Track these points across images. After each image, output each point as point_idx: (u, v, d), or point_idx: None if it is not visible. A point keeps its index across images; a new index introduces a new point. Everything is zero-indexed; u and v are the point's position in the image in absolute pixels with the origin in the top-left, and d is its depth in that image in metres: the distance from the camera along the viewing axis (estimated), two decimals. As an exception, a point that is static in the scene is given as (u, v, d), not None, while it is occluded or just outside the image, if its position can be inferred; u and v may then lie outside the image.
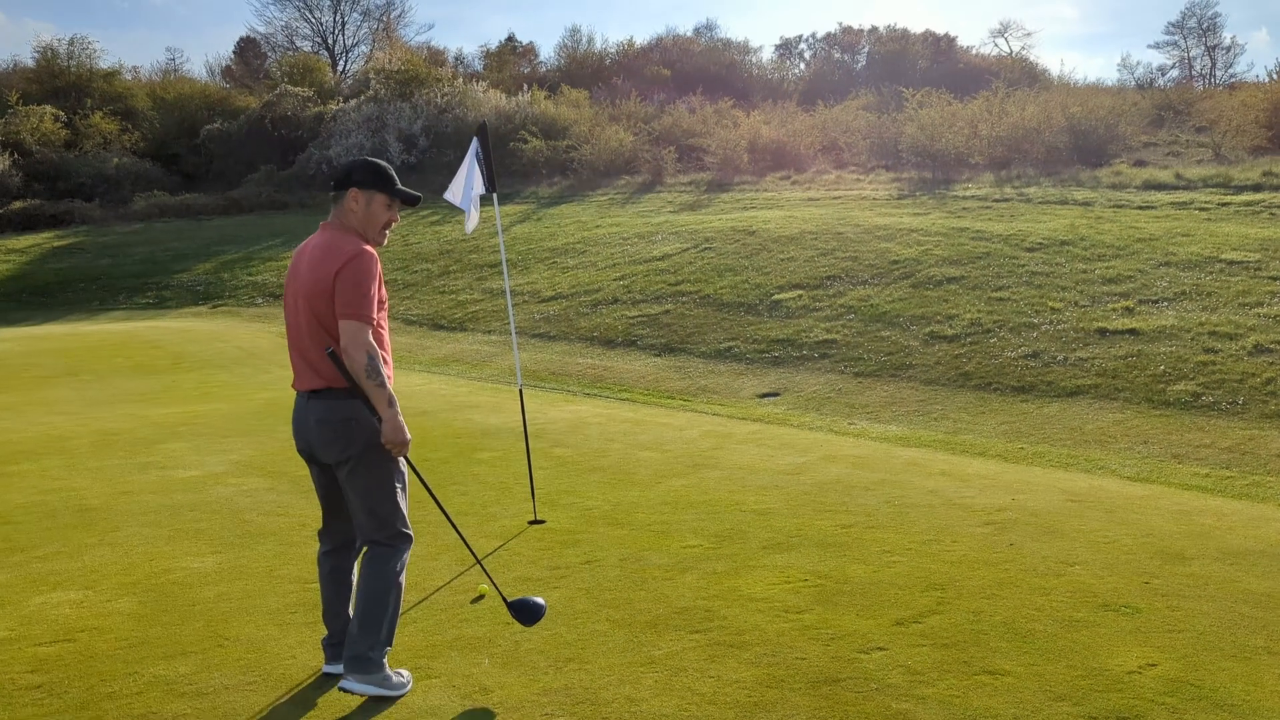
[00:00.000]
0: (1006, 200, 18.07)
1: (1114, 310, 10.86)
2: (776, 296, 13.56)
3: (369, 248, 3.68)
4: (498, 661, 4.03)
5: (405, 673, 3.82)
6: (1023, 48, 53.40)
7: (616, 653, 4.06)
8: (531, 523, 6.02)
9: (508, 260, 18.80)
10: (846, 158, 26.34)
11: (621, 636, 4.23)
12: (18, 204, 29.82)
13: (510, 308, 6.30)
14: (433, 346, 14.96)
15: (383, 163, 3.82)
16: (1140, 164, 21.78)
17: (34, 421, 10.01)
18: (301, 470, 7.45)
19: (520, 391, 6.44)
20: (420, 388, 11.81)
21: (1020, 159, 22.23)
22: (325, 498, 4.03)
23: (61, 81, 38.21)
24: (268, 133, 35.01)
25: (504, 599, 4.25)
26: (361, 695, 3.69)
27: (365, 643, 3.66)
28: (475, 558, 4.41)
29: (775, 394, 10.58)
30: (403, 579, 3.78)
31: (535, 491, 6.32)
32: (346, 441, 3.68)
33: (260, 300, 20.62)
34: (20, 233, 28.18)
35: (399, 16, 54.49)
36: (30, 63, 39.94)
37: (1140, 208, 16.10)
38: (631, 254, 17.36)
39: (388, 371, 3.71)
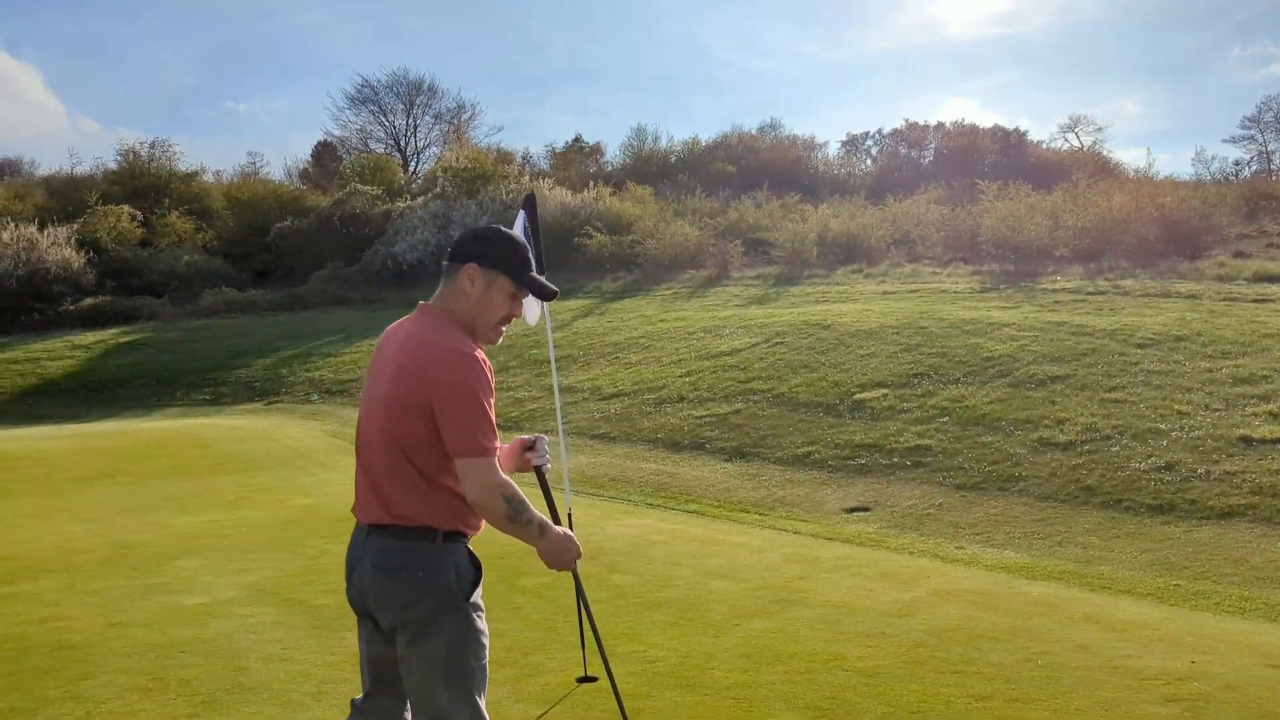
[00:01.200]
0: (1102, 293, 16.80)
1: (1255, 415, 9.48)
2: (858, 396, 12.38)
3: (479, 351, 2.77)
4: None
5: None
6: (1094, 142, 52.13)
7: None
8: (581, 680, 4.88)
9: (569, 356, 17.93)
10: (920, 250, 25.33)
11: None
12: (89, 301, 30.05)
13: (559, 410, 5.30)
14: (486, 448, 14.01)
15: (519, 237, 2.90)
16: (1241, 255, 20.43)
17: (53, 530, 9.21)
18: (321, 599, 6.43)
19: (570, 516, 5.36)
20: (469, 495, 10.80)
21: (1111, 251, 20.98)
22: (373, 664, 2.94)
23: (142, 182, 39.09)
24: (336, 230, 35.20)
25: None
26: None
27: None
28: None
29: (865, 509, 9.34)
30: None
31: (585, 639, 5.18)
32: (409, 599, 2.73)
33: (315, 397, 19.99)
34: (89, 329, 28.27)
35: (469, 119, 55.35)
36: (114, 165, 41.04)
37: (1256, 301, 14.71)
38: (698, 349, 16.36)
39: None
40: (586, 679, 4.88)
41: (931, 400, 11.73)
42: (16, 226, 30.69)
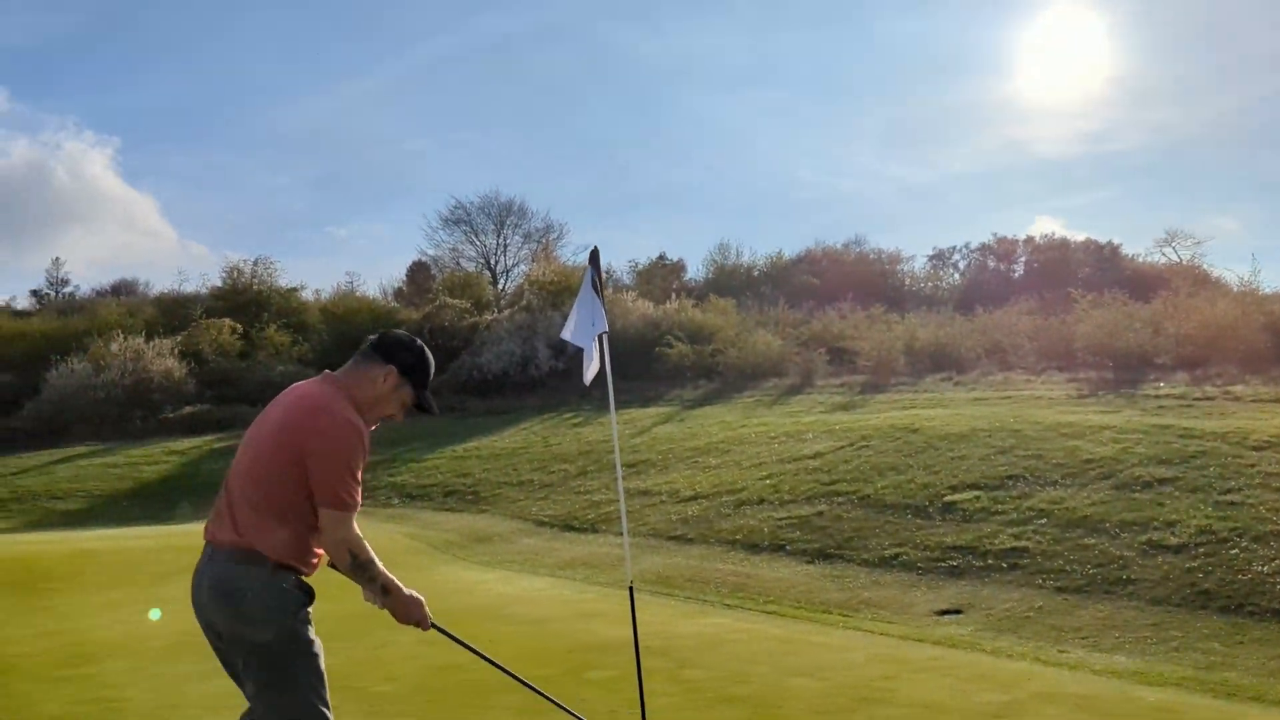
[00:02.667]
0: (1210, 399, 15.94)
1: (1390, 516, 8.67)
2: (949, 498, 11.78)
3: (360, 427, 3.17)
4: None
5: None
6: (1193, 256, 50.65)
7: None
8: (642, 773, 4.49)
9: (647, 461, 17.65)
10: (1013, 360, 24.59)
11: None
12: (188, 409, 31.01)
13: (620, 489, 5.04)
14: (561, 549, 13.68)
15: (430, 358, 3.40)
16: (1360, 361, 19.29)
17: (126, 619, 9.19)
18: (379, 686, 6.17)
19: (630, 592, 5.04)
20: (541, 593, 10.48)
21: (1218, 358, 20.04)
22: (235, 677, 3.29)
23: (243, 297, 40.69)
24: (426, 342, 35.88)
25: None
26: None
27: None
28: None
29: (957, 611, 8.72)
30: None
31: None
32: (240, 618, 3.06)
33: (396, 501, 20.00)
34: (186, 435, 29.08)
35: (557, 238, 56.69)
36: (218, 282, 42.91)
37: (1381, 403, 13.76)
38: (779, 453, 15.92)
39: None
40: (649, 771, 4.48)
41: (1027, 502, 11.09)
42: (125, 338, 32.08)
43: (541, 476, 18.58)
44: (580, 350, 5.11)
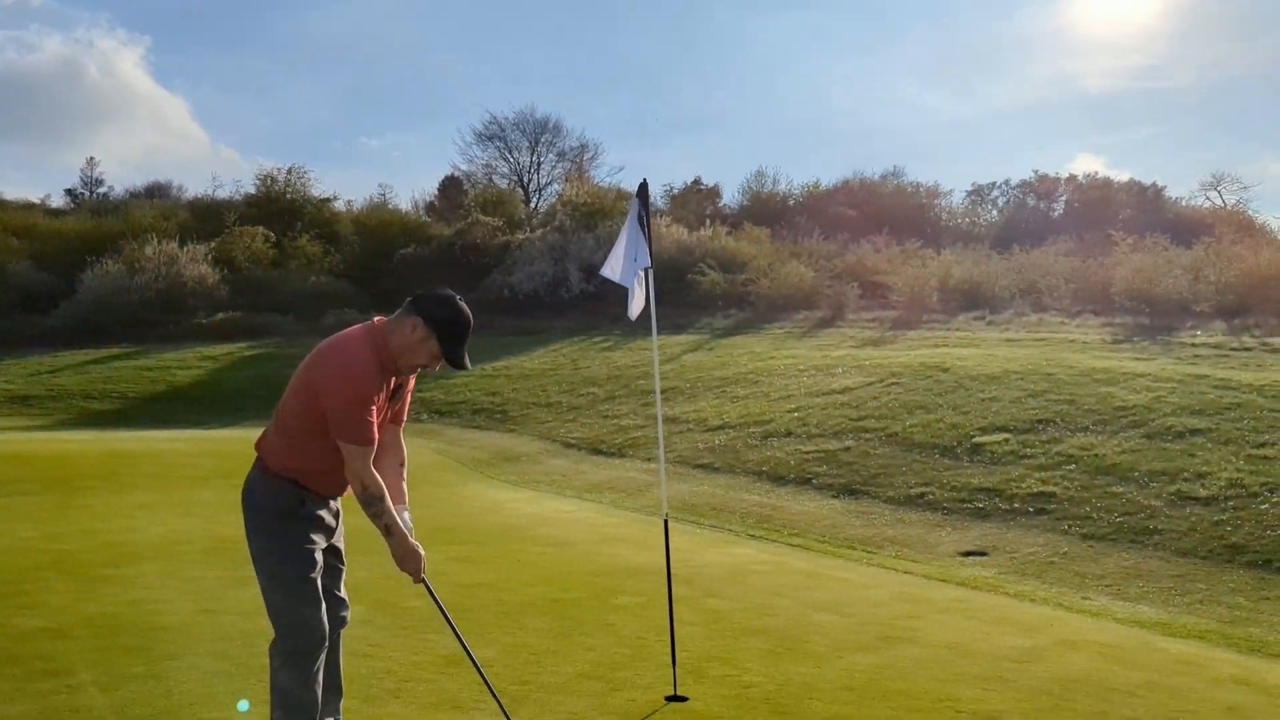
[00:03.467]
0: (1248, 349, 15.70)
1: None
2: (978, 439, 11.75)
3: (371, 372, 3.39)
4: None
5: None
6: (1238, 201, 49.25)
7: None
8: (670, 699, 4.57)
9: (675, 389, 17.69)
10: (1048, 301, 24.27)
11: None
12: (220, 316, 31.28)
13: (659, 416, 5.04)
14: (588, 471, 13.81)
15: (468, 318, 3.54)
16: (1405, 316, 18.88)
17: (161, 522, 9.40)
18: (410, 601, 6.29)
19: (665, 524, 5.08)
20: (568, 515, 10.61)
21: (1258, 308, 19.68)
22: None
23: (277, 206, 40.67)
24: (457, 259, 35.85)
25: None
26: None
27: None
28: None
29: (982, 553, 8.76)
30: (293, 685, 3.41)
31: (677, 656, 4.86)
32: (245, 511, 3.52)
33: (425, 416, 20.19)
34: (218, 342, 29.39)
35: (592, 158, 56.02)
36: (252, 189, 42.88)
37: None
38: (808, 386, 15.90)
39: (399, 481, 3.63)
40: (676, 698, 4.57)
41: (1057, 447, 11.04)
42: (160, 243, 32.25)
43: (570, 399, 18.68)
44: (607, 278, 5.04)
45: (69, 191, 53.50)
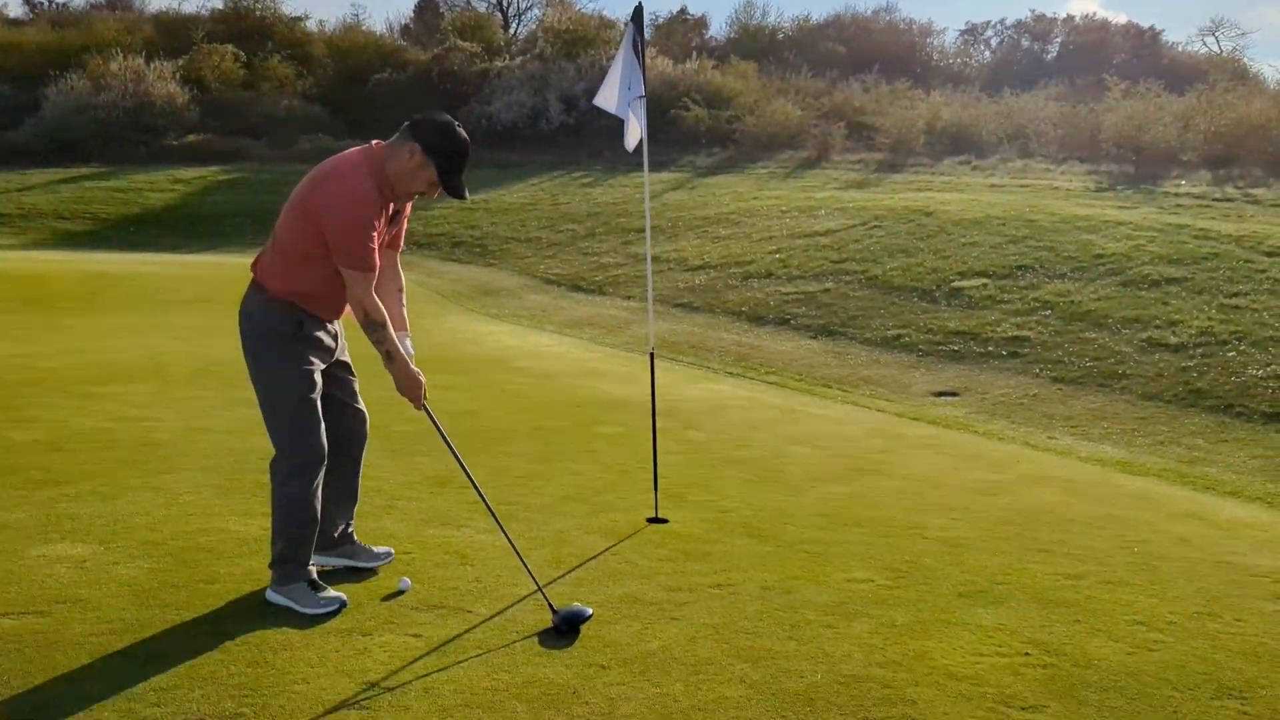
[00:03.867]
0: (1230, 200, 15.77)
1: (1391, 332, 8.80)
2: (956, 283, 11.88)
3: (370, 198, 3.35)
4: (580, 731, 2.79)
5: (332, 595, 3.54)
6: (1235, 49, 48.21)
7: (753, 742, 2.76)
8: (651, 520, 4.78)
9: (656, 227, 17.60)
10: (1034, 147, 24.04)
11: (760, 713, 2.93)
12: (191, 137, 30.45)
13: (649, 258, 5.05)
14: (568, 308, 13.90)
15: (467, 145, 3.48)
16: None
17: (146, 344, 9.44)
18: (397, 426, 6.44)
19: (651, 358, 5.18)
20: (549, 349, 10.75)
21: (1245, 158, 19.61)
22: None
23: (246, 24, 38.97)
24: (434, 85, 34.77)
25: (551, 607, 3.49)
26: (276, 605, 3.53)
27: (272, 554, 3.60)
28: (514, 547, 3.79)
29: (954, 394, 9.00)
30: (295, 499, 3.51)
31: (659, 481, 5.06)
32: (244, 332, 3.56)
33: (404, 248, 20.04)
34: (189, 164, 28.72)
35: (575, -19, 53.70)
36: (220, 4, 40.96)
37: (1402, 219, 13.62)
38: (790, 227, 15.88)
39: (399, 307, 3.70)
40: (657, 520, 4.78)
41: (1034, 293, 11.20)
42: (125, 58, 31.01)
43: (549, 235, 18.58)
44: (601, 108, 4.95)
45: (27, 0, 50.93)
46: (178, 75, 32.07)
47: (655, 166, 23.84)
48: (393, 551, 4.07)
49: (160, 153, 29.06)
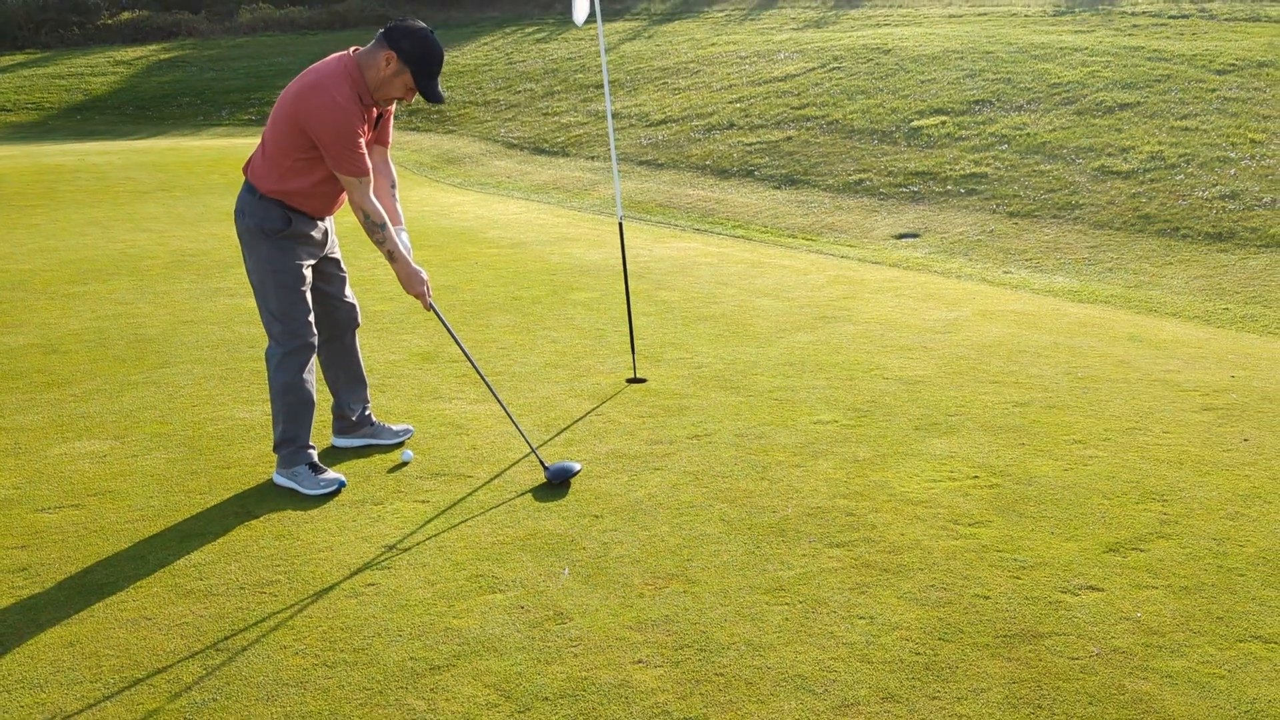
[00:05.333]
0: (1185, 17, 15.69)
1: (1333, 146, 9.06)
2: (916, 123, 11.98)
3: (352, 106, 3.53)
4: (580, 572, 3.15)
5: (332, 476, 3.82)
6: None
7: (733, 570, 3.13)
8: (630, 381, 5.09)
9: (615, 81, 17.37)
10: (994, -29, 23.61)
11: (739, 545, 3.30)
12: (126, 14, 29.24)
13: (611, 132, 5.18)
14: (533, 172, 13.90)
15: (440, 51, 3.62)
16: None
17: (116, 239, 9.48)
18: (378, 305, 6.66)
19: (620, 226, 5.39)
20: (517, 216, 10.86)
21: (1202, -29, 19.38)
22: None
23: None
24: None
25: (543, 465, 3.85)
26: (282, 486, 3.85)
27: (274, 438, 3.86)
28: (511, 418, 4.08)
29: (914, 235, 9.27)
30: (289, 383, 3.76)
31: (636, 343, 5.35)
32: (239, 229, 3.79)
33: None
34: (128, 44, 27.70)
35: None
36: None
37: (1354, 27, 13.67)
38: (750, 74, 15.74)
39: (390, 201, 3.90)
40: (636, 380, 5.09)
41: (992, 128, 11.33)
42: (44, -68, 29.41)
43: (507, 96, 18.30)
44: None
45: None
46: (102, -52, 30.50)
47: (610, 14, 23.26)
48: (412, 428, 4.36)
49: (96, 34, 28.00)
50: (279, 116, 3.63)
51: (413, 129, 17.90)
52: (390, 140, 3.94)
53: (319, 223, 3.82)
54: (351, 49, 3.65)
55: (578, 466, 3.84)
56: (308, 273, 3.80)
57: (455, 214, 10.99)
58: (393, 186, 3.94)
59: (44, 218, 10.76)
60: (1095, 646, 2.67)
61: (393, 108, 3.81)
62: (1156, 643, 2.69)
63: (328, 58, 3.68)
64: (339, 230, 4.27)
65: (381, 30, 3.61)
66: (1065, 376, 4.98)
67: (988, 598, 2.92)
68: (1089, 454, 3.97)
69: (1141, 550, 3.19)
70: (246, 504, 3.70)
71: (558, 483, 3.77)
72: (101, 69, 24.82)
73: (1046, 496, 3.60)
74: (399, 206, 3.96)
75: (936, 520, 3.43)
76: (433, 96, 3.62)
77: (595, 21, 4.87)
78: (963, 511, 3.49)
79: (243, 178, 3.82)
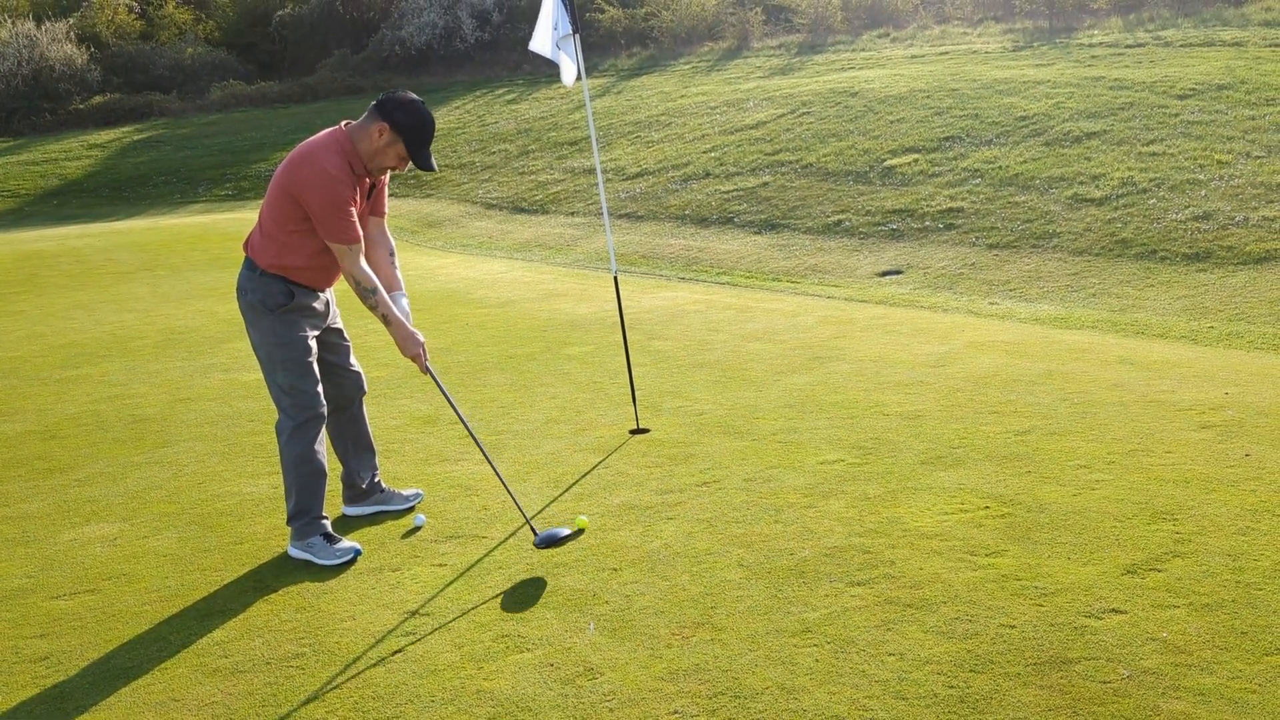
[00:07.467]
0: (1141, 45, 16.09)
1: (1297, 162, 9.28)
2: (889, 162, 12.19)
3: (343, 176, 3.60)
4: (605, 626, 3.15)
5: (347, 545, 3.83)
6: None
7: (758, 615, 3.15)
8: (633, 432, 5.12)
9: (589, 138, 17.61)
10: (949, 10, 24.17)
11: (760, 589, 3.31)
12: (98, 98, 29.46)
13: (601, 183, 5.27)
14: (515, 231, 14.02)
15: (432, 121, 3.72)
16: (1292, 0, 19.33)
17: (103, 320, 9.48)
18: (374, 372, 6.67)
19: (615, 280, 5.45)
20: (503, 275, 10.94)
21: (1152, 0, 19.95)
22: None
23: (132, -29, 37.36)
24: (339, 16, 33.79)
25: (533, 530, 3.77)
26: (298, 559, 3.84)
27: (288, 510, 3.86)
28: (503, 482, 4.04)
29: (897, 271, 9.39)
30: (302, 455, 3.78)
31: (636, 393, 5.39)
32: (242, 306, 3.82)
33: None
34: (101, 127, 27.87)
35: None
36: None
37: (1305, 46, 14.06)
38: (721, 123, 16.00)
39: (390, 269, 3.95)
40: (639, 430, 5.12)
41: (963, 163, 11.54)
42: (13, 23, 29.71)
43: (482, 158, 18.50)
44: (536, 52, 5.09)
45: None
46: (71, 35, 30.86)
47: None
48: (422, 492, 4.38)
49: (68, 119, 28.20)
50: (273, 190, 3.71)
51: (390, 194, 18.03)
52: (386, 210, 4.01)
53: (320, 294, 3.88)
54: (343, 122, 3.73)
55: (566, 531, 3.67)
56: (313, 344, 3.84)
57: (441, 276, 11.06)
58: (391, 255, 3.99)
59: (29, 304, 10.75)
60: (1125, 669, 2.69)
61: (386, 178, 3.88)
62: (1185, 661, 2.72)
63: (320, 132, 3.76)
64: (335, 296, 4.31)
65: (374, 103, 3.70)
66: (1062, 403, 5.04)
67: (1014, 626, 2.95)
68: (1095, 478, 4.02)
69: (1159, 570, 3.23)
70: (263, 578, 3.69)
71: (549, 547, 3.62)
72: (76, 153, 24.94)
73: (1059, 522, 3.64)
74: (399, 274, 4.01)
75: (953, 553, 3.46)
76: (425, 165, 3.71)
77: (582, 80, 4.98)
78: (978, 542, 3.53)
79: (240, 253, 3.89)
